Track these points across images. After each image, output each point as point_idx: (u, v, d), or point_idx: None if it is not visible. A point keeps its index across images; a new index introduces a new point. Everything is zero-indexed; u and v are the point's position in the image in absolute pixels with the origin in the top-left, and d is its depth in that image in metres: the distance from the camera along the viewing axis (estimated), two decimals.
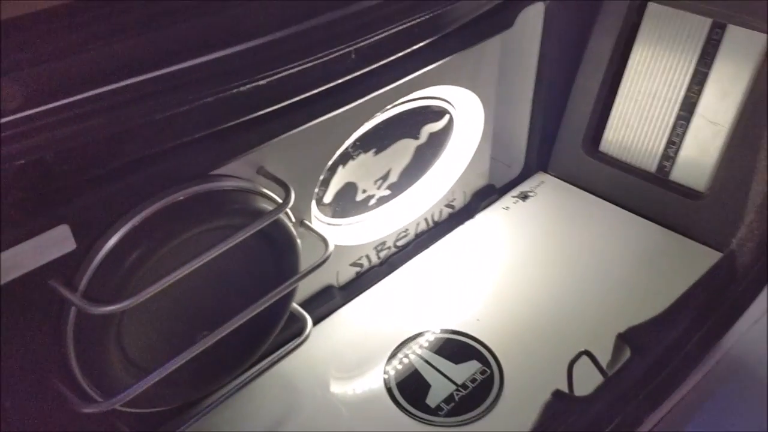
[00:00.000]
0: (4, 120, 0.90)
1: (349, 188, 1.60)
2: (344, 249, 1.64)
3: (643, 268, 1.76)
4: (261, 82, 1.10)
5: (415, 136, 1.67)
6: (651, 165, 1.91)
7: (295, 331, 1.56)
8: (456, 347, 1.58)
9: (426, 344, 1.58)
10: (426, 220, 1.83)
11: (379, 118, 1.53)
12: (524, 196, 1.99)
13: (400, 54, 1.28)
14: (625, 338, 1.17)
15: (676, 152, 1.86)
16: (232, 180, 1.26)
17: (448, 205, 1.88)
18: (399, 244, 1.79)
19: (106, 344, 1.12)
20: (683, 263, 1.76)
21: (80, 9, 1.06)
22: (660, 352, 1.14)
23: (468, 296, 1.70)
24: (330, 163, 1.48)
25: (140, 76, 1.03)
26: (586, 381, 1.21)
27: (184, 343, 1.23)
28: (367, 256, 1.72)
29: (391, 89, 1.41)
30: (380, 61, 1.24)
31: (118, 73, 1.01)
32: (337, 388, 1.52)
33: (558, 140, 2.03)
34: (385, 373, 1.53)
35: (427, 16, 1.26)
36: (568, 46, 1.88)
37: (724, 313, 1.19)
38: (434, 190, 1.81)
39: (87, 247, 1.06)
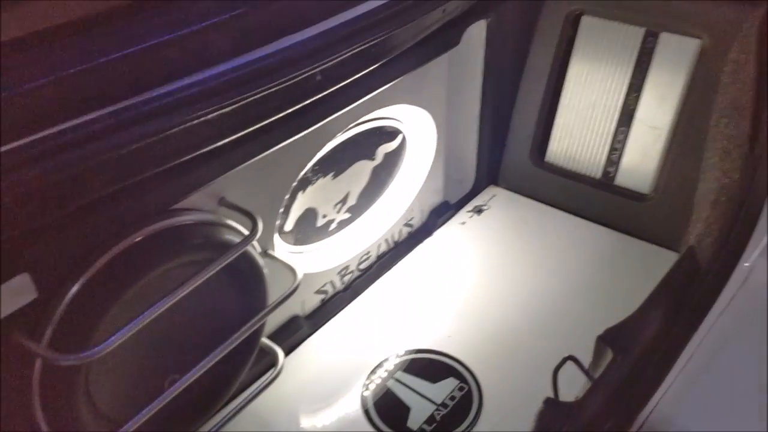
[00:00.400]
0: None
1: (310, 214, 1.58)
2: (308, 276, 1.60)
3: (601, 271, 1.80)
4: (224, 110, 1.06)
5: (371, 157, 1.67)
6: (596, 171, 1.97)
7: (265, 366, 1.51)
8: (431, 366, 1.56)
9: (400, 366, 1.56)
10: (387, 240, 1.82)
11: (337, 140, 1.51)
12: (479, 210, 2.01)
13: (360, 74, 1.27)
14: (605, 340, 1.18)
15: (619, 158, 1.93)
16: (194, 213, 1.22)
17: (407, 224, 1.87)
18: (362, 267, 1.77)
19: (74, 396, 1.05)
20: (637, 263, 1.82)
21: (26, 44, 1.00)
22: (641, 349, 1.15)
23: (436, 314, 1.69)
24: (291, 189, 1.45)
25: (94, 113, 0.98)
26: (569, 386, 1.22)
27: (154, 389, 1.16)
28: (332, 282, 1.69)
29: (348, 111, 1.40)
30: (342, 81, 1.23)
31: (68, 110, 0.96)
32: (314, 420, 1.47)
33: (506, 153, 2.06)
34: (362, 400, 1.49)
35: (383, 37, 1.26)
36: (509, 62, 1.93)
37: (696, 306, 1.22)
38: (392, 210, 1.81)
39: (49, 296, 0.99)
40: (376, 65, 1.32)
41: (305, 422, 1.46)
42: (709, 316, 1.25)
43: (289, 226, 1.54)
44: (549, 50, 1.94)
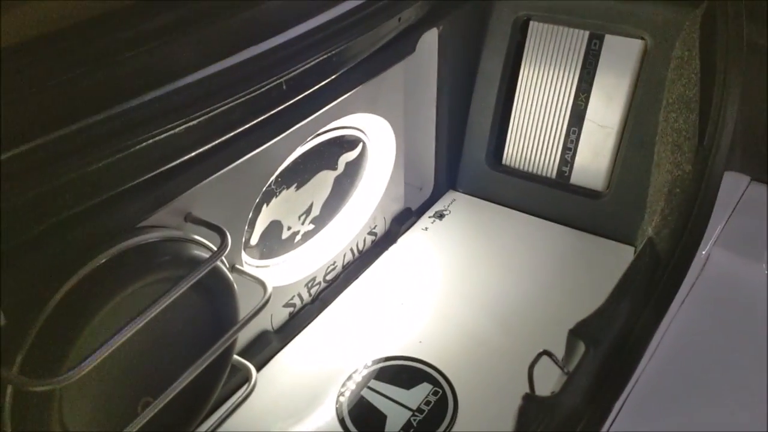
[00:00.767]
0: None
1: (275, 227, 1.56)
2: (276, 290, 1.57)
3: (563, 268, 1.84)
4: (191, 123, 1.05)
5: (333, 167, 1.67)
6: (551, 172, 2.02)
7: (237, 383, 1.49)
8: (404, 372, 1.56)
9: (373, 375, 1.56)
10: (351, 250, 1.82)
11: (299, 151, 1.51)
12: (440, 215, 2.03)
13: (324, 83, 1.27)
14: (577, 333, 1.20)
15: (573, 157, 1.98)
16: (162, 230, 1.19)
17: (371, 233, 1.87)
18: (329, 278, 1.76)
19: (47, 423, 1.01)
20: (596, 258, 1.87)
21: None
22: (612, 340, 1.18)
23: (406, 320, 1.70)
24: (256, 201, 1.44)
25: (56, 132, 0.95)
26: (542, 382, 1.24)
27: (128, 413, 1.13)
28: (299, 295, 1.68)
29: (310, 121, 1.40)
30: (307, 90, 1.23)
31: (30, 130, 0.93)
32: None
33: (463, 158, 2.09)
34: (337, 411, 1.48)
35: (345, 45, 1.27)
36: (462, 68, 1.96)
37: (660, 295, 1.25)
38: (356, 219, 1.81)
39: (18, 322, 0.96)
40: (339, 73, 1.33)
41: None
42: (673, 304, 1.29)
43: (254, 240, 1.52)
44: (499, 56, 1.98)
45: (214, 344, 1.24)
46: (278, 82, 1.14)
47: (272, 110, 1.21)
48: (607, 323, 1.23)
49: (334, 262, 1.77)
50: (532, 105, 1.99)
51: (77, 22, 1.03)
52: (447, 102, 1.94)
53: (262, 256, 1.57)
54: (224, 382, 1.40)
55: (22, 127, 0.93)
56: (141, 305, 1.09)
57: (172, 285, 1.13)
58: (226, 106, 1.11)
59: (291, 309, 1.67)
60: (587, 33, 1.87)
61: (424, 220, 2.01)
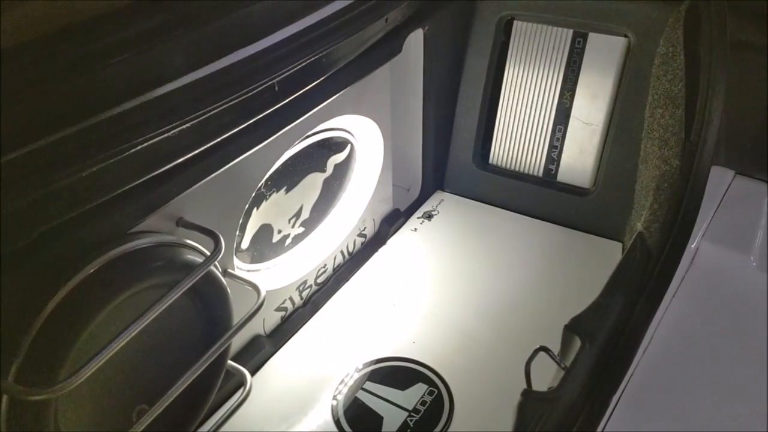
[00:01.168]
0: None
1: (265, 230, 1.55)
2: (267, 294, 1.56)
3: (552, 266, 1.85)
4: (184, 126, 1.04)
5: (322, 169, 1.66)
6: (538, 170, 2.03)
7: (230, 389, 1.48)
8: (399, 374, 1.56)
9: (368, 376, 1.55)
10: (342, 252, 1.81)
11: (288, 154, 1.50)
12: (429, 216, 2.03)
13: (314, 83, 1.27)
14: (572, 328, 1.21)
15: (559, 155, 1.99)
16: (153, 236, 1.18)
17: (360, 235, 1.87)
18: (319, 281, 1.75)
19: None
20: (585, 255, 1.88)
21: None
22: (607, 334, 1.19)
23: (398, 321, 1.70)
24: (247, 205, 1.43)
25: (45, 139, 0.94)
26: (536, 378, 1.24)
27: (123, 421, 1.12)
28: (291, 298, 1.67)
29: (300, 123, 1.39)
30: (298, 91, 1.23)
31: (19, 137, 0.92)
32: None
33: (450, 158, 2.10)
34: (332, 413, 1.48)
35: (335, 46, 1.27)
36: (448, 69, 1.97)
37: (653, 288, 1.27)
38: (345, 221, 1.80)
39: (12, 331, 0.94)
40: (329, 74, 1.33)
41: None
42: (665, 297, 1.31)
43: (245, 244, 1.51)
44: (484, 55, 1.99)
45: (208, 349, 1.23)
46: (270, 84, 1.13)
47: (263, 113, 1.20)
48: (601, 318, 1.24)
49: (325, 265, 1.76)
50: (517, 104, 2.00)
51: (64, 26, 1.02)
52: (433, 102, 1.94)
53: (253, 260, 1.56)
54: (219, 388, 1.39)
55: (10, 134, 0.91)
56: (135, 311, 1.08)
57: (166, 290, 1.12)
58: (218, 109, 1.10)
59: (283, 313, 1.66)
60: (571, 31, 1.89)
61: (413, 221, 2.01)
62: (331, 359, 1.60)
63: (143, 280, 1.12)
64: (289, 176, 1.55)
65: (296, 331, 1.66)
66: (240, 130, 1.18)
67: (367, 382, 1.54)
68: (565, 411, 1.09)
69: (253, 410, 1.45)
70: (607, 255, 1.86)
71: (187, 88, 1.07)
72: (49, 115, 0.96)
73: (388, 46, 1.62)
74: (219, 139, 1.15)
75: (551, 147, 2.00)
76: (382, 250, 1.90)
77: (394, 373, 1.56)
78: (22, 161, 0.91)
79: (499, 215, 2.04)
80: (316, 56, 1.25)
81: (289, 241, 1.65)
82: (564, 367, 1.20)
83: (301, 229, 1.67)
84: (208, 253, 1.22)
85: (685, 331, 1.35)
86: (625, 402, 1.18)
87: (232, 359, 1.46)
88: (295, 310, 1.69)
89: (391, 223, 1.95)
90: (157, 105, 1.04)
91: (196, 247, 1.24)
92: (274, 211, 1.55)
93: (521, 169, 2.05)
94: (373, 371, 1.56)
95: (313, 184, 1.65)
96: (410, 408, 1.48)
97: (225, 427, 1.34)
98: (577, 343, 1.21)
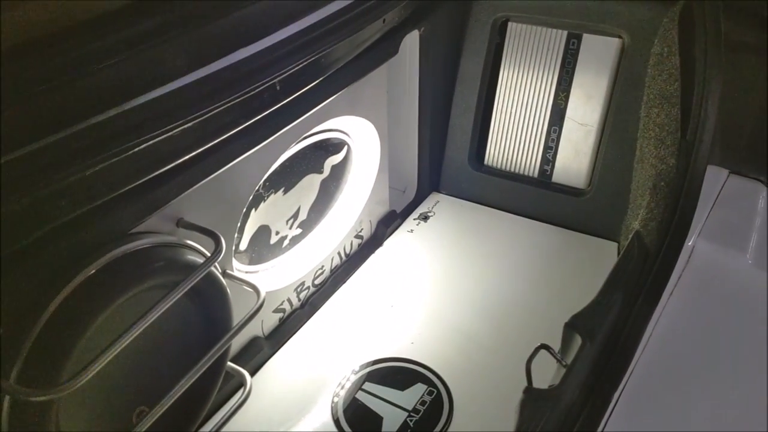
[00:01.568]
0: None
1: (263, 231, 1.55)
2: (266, 295, 1.57)
3: (549, 266, 1.86)
4: (184, 126, 1.04)
5: (320, 171, 1.66)
6: (533, 171, 2.04)
7: (230, 390, 1.47)
8: (398, 374, 1.56)
9: (367, 377, 1.55)
10: (339, 254, 1.81)
11: (286, 155, 1.50)
12: (425, 217, 2.04)
13: (314, 83, 1.27)
14: (573, 326, 1.22)
15: (554, 156, 2.00)
16: (154, 236, 1.17)
17: (357, 236, 1.87)
18: (317, 282, 1.75)
19: None
20: (581, 255, 1.89)
21: None
22: (607, 332, 1.20)
23: (396, 322, 1.70)
24: (246, 205, 1.42)
25: (46, 139, 0.93)
26: (536, 376, 1.25)
27: (123, 422, 1.11)
28: (289, 300, 1.67)
29: (298, 123, 1.39)
30: (298, 91, 1.23)
31: (20, 137, 0.91)
32: None
33: (446, 159, 2.10)
34: (332, 414, 1.47)
35: (334, 46, 1.27)
36: (443, 70, 1.97)
37: (651, 286, 1.27)
38: (342, 222, 1.80)
39: (14, 332, 0.93)
40: (329, 74, 1.33)
41: None
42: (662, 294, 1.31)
43: (243, 245, 1.51)
44: (479, 57, 2.00)
45: (208, 351, 1.23)
46: (270, 83, 1.13)
47: (263, 113, 1.20)
48: (601, 315, 1.24)
49: (322, 266, 1.76)
50: (512, 105, 2.01)
51: (64, 26, 1.02)
52: (429, 104, 1.95)
53: (252, 262, 1.56)
54: (218, 389, 1.38)
55: (11, 134, 0.91)
56: (136, 312, 1.07)
57: (166, 291, 1.11)
58: (218, 109, 1.10)
59: (281, 314, 1.66)
60: (565, 33, 1.90)
61: (409, 222, 2.01)
62: (330, 360, 1.60)
63: (144, 280, 1.12)
64: (287, 177, 1.55)
65: (295, 333, 1.66)
66: (240, 130, 1.18)
67: (366, 383, 1.54)
68: (567, 408, 1.09)
69: (254, 411, 1.45)
70: (603, 255, 1.87)
71: (188, 89, 1.07)
72: (49, 115, 0.95)
73: (386, 47, 1.62)
74: (219, 140, 1.15)
75: (546, 148, 2.01)
76: (379, 252, 1.90)
77: (393, 373, 1.56)
78: (22, 161, 0.90)
79: (495, 216, 2.05)
80: (317, 56, 1.25)
81: (286, 242, 1.64)
82: (565, 364, 1.21)
83: (299, 231, 1.67)
84: (209, 254, 1.22)
85: (682, 329, 1.36)
86: (625, 399, 1.18)
87: (231, 361, 1.45)
88: (293, 312, 1.69)
89: (387, 224, 1.95)
90: (157, 105, 1.04)
91: (197, 248, 1.23)
92: (272, 213, 1.55)
93: (516, 170, 2.05)
94: (372, 372, 1.56)
95: (310, 185, 1.65)
96: (410, 408, 1.48)
97: (225, 428, 1.33)
98: (578, 341, 1.22)
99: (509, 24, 1.96)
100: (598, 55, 1.87)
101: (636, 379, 1.24)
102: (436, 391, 1.52)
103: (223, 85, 1.11)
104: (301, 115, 1.36)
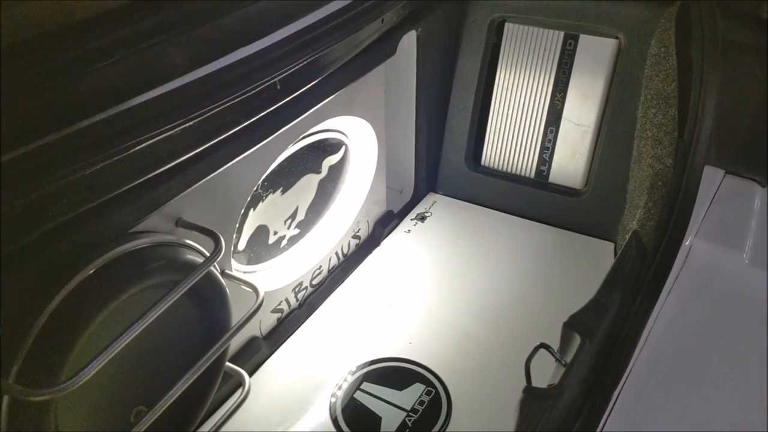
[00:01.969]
0: None
1: (262, 231, 1.55)
2: (265, 295, 1.57)
3: (546, 266, 1.86)
4: (184, 126, 1.04)
5: (318, 171, 1.66)
6: (530, 171, 2.04)
7: (228, 390, 1.47)
8: (396, 374, 1.56)
9: (365, 377, 1.55)
10: (336, 254, 1.81)
11: (285, 155, 1.50)
12: (422, 218, 2.04)
13: (314, 83, 1.27)
14: (571, 326, 1.22)
15: (551, 156, 2.01)
16: (153, 236, 1.17)
17: (355, 236, 1.87)
18: (315, 282, 1.75)
19: None
20: (578, 255, 1.90)
21: None
22: (606, 331, 1.20)
23: (394, 322, 1.70)
24: (245, 205, 1.42)
25: (45, 138, 0.93)
26: (537, 375, 1.25)
27: (122, 422, 1.11)
28: (287, 300, 1.66)
29: (297, 123, 1.39)
30: (298, 90, 1.23)
31: (19, 136, 0.91)
32: None
33: (443, 160, 2.11)
34: (331, 414, 1.47)
35: (334, 45, 1.27)
36: (440, 70, 1.98)
37: (649, 285, 1.28)
38: (340, 222, 1.81)
39: (13, 331, 0.93)
40: (328, 73, 1.33)
41: None
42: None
43: (242, 245, 1.51)
44: (476, 57, 2.00)
45: (207, 351, 1.23)
46: (270, 83, 1.13)
47: (263, 112, 1.20)
48: (599, 315, 1.25)
49: (320, 267, 1.76)
50: (509, 106, 2.02)
51: (63, 26, 1.01)
52: (426, 104, 1.95)
53: (250, 262, 1.56)
54: (217, 389, 1.38)
55: (11, 134, 0.91)
56: (135, 311, 1.07)
57: (166, 291, 1.11)
58: (218, 109, 1.10)
59: (279, 314, 1.66)
60: (562, 33, 1.91)
61: (407, 223, 2.02)
62: (328, 360, 1.59)
63: (144, 279, 1.12)
64: (285, 177, 1.55)
65: (293, 333, 1.66)
66: (239, 129, 1.18)
67: (364, 383, 1.54)
68: (567, 407, 1.10)
69: (252, 411, 1.44)
70: (600, 255, 1.88)
71: (187, 88, 1.07)
72: (49, 114, 0.95)
73: (384, 47, 1.62)
74: (218, 139, 1.14)
75: (543, 148, 2.01)
76: (377, 252, 1.91)
77: (392, 373, 1.56)
78: (22, 161, 0.90)
79: (492, 216, 2.05)
80: (316, 55, 1.25)
81: (284, 242, 1.64)
82: (564, 363, 1.21)
83: (297, 231, 1.67)
84: (208, 254, 1.21)
85: (680, 327, 1.37)
86: (625, 397, 1.19)
87: (229, 361, 1.45)
88: (291, 312, 1.69)
89: (384, 224, 1.96)
90: (157, 104, 1.04)
91: (196, 247, 1.23)
92: (270, 212, 1.55)
93: (513, 171, 2.06)
94: (370, 372, 1.56)
95: (308, 185, 1.65)
96: (408, 408, 1.48)
97: (224, 428, 1.33)
98: (577, 340, 1.22)
99: (506, 24, 1.97)
100: (595, 56, 1.88)
101: (635, 377, 1.25)
102: (434, 390, 1.52)
103: (223, 85, 1.11)
104: (300, 115, 1.36)
